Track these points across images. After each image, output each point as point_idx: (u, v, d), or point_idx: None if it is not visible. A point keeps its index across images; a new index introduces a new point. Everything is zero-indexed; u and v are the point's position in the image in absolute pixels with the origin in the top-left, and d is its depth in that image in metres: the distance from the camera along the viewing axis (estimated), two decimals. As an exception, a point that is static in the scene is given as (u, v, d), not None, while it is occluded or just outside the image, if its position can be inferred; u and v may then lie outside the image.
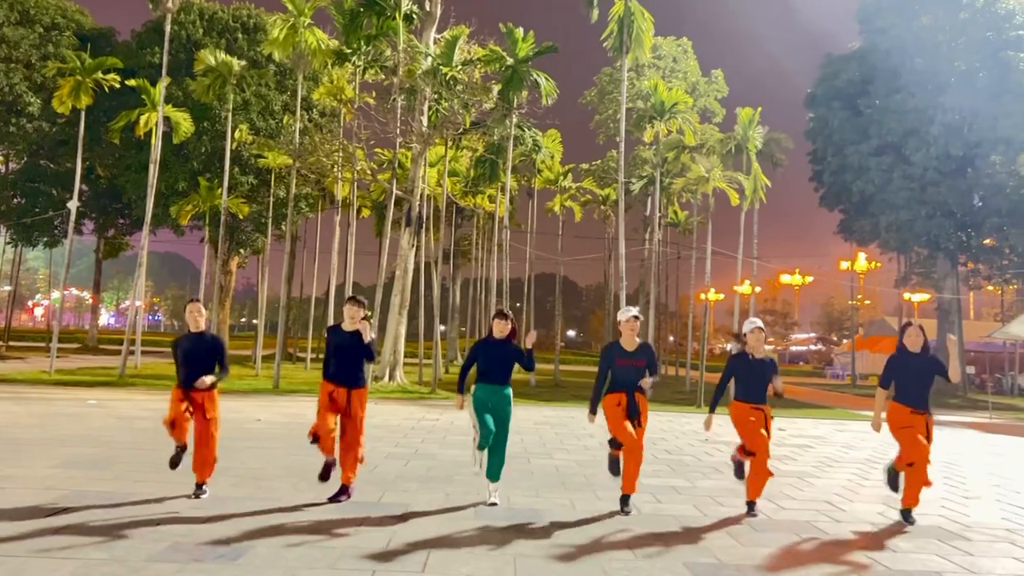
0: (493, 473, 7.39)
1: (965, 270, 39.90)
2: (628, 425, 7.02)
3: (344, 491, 7.23)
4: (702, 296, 35.11)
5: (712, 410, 7.52)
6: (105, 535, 5.64)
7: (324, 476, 7.19)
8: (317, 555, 5.42)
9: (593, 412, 7.29)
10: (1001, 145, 31.89)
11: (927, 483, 7.26)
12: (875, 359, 52.06)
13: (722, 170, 28.49)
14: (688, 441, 13.19)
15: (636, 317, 7.24)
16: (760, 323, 7.50)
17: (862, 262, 43.66)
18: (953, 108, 33.19)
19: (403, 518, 6.68)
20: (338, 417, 7.13)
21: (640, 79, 43.64)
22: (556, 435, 13.46)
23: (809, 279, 46.85)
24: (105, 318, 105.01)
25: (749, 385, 7.30)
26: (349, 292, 25.11)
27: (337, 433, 7.14)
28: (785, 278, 46.38)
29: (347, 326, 7.24)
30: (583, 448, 11.80)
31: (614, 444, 7.30)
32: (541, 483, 8.58)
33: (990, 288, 46.23)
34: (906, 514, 7.42)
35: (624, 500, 7.29)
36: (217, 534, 5.86)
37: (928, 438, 7.17)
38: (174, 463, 7.16)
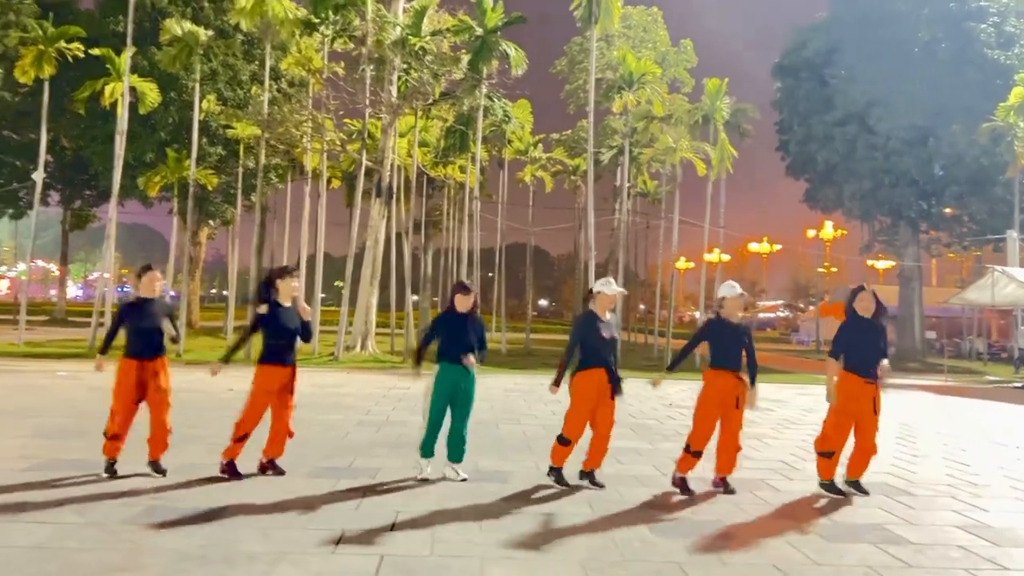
0: (455, 454, 7.04)
1: (927, 238, 40.75)
2: (587, 423, 6.77)
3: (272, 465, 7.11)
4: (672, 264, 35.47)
5: (670, 369, 7.16)
6: (80, 501, 5.81)
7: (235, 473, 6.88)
8: (289, 517, 5.64)
9: (557, 384, 6.84)
10: (961, 115, 32.41)
11: (868, 452, 6.94)
12: (836, 325, 53.19)
13: (690, 140, 28.73)
14: (652, 406, 13.54)
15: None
16: (740, 289, 6.97)
17: (829, 230, 44.29)
18: (916, 78, 33.64)
19: (373, 482, 6.91)
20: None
21: (610, 49, 43.61)
22: (524, 402, 13.76)
23: (777, 247, 47.43)
24: (73, 290, 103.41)
25: (726, 350, 6.82)
26: (320, 262, 25.10)
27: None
28: (753, 246, 46.85)
29: (285, 300, 7.15)
30: (551, 414, 12.09)
31: (563, 440, 6.79)
32: (508, 447, 8.85)
33: (951, 255, 47.19)
34: (855, 484, 7.06)
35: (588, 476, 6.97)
36: (190, 498, 6.05)
37: (876, 410, 6.86)
38: (111, 470, 6.68)
